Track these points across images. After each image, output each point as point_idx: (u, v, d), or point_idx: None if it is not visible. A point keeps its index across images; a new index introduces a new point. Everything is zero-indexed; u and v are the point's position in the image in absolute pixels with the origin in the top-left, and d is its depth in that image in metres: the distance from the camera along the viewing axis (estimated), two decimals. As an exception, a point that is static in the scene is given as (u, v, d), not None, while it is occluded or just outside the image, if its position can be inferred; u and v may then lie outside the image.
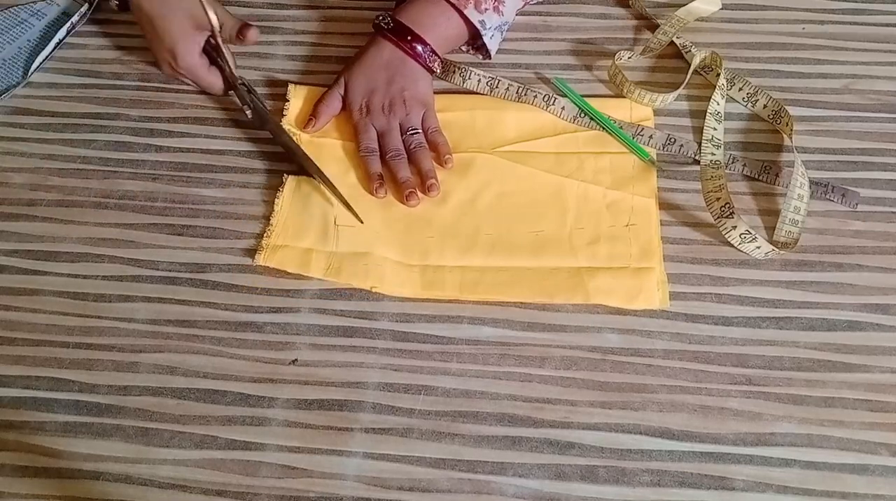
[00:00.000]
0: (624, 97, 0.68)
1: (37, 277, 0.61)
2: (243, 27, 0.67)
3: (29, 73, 0.70)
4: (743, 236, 0.58)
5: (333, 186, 0.62)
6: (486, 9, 0.65)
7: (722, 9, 0.73)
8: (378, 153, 0.64)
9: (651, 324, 0.57)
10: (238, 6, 0.74)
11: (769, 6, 0.73)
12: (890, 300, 0.58)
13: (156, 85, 0.70)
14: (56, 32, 0.71)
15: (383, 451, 0.53)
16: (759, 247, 0.59)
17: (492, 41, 0.67)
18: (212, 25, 0.63)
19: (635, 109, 0.67)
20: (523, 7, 0.71)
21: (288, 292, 0.60)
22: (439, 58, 0.66)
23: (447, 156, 0.64)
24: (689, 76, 0.68)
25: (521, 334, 0.57)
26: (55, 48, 0.71)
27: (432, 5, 0.66)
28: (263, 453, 0.53)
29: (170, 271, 0.61)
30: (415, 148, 0.64)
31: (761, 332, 0.57)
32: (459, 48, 0.70)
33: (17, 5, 0.73)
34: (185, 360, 0.57)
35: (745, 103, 0.67)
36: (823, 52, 0.70)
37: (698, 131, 0.66)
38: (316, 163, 0.63)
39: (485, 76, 0.68)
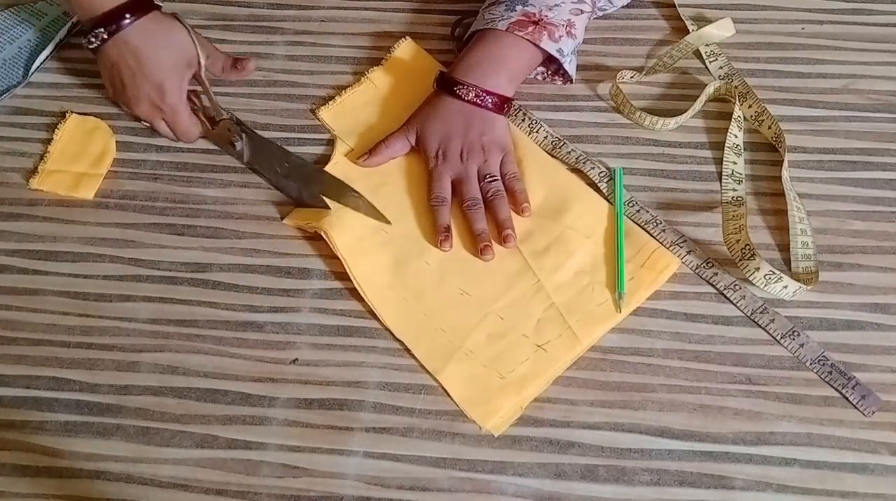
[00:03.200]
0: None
1: (37, 277, 0.61)
2: (238, 59, 0.67)
3: (29, 73, 0.70)
4: (767, 277, 0.56)
5: (365, 199, 0.61)
6: (561, 36, 0.63)
7: (722, 9, 0.73)
8: (448, 203, 0.62)
9: (651, 324, 0.57)
10: (238, 6, 0.74)
11: (769, 6, 0.73)
12: (890, 299, 0.58)
13: (156, 85, 0.70)
14: (56, 32, 0.71)
15: (384, 450, 0.53)
16: (786, 288, 0.57)
17: (570, 66, 0.65)
18: (199, 62, 0.63)
19: (660, 258, 0.60)
20: (586, 24, 0.67)
21: (288, 292, 0.60)
22: (509, 101, 0.64)
23: (525, 205, 0.61)
24: (699, 105, 0.66)
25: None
26: (55, 48, 0.71)
27: (502, 40, 0.63)
28: (264, 452, 0.54)
29: (170, 271, 0.61)
30: (492, 196, 0.61)
31: (761, 332, 0.57)
32: (535, 78, 0.68)
33: (16, 5, 0.73)
34: (186, 360, 0.57)
35: (751, 121, 0.66)
36: (823, 51, 0.70)
37: (717, 160, 0.64)
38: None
39: (552, 135, 0.65)
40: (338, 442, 0.54)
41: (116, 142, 0.67)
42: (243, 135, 0.65)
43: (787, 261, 0.59)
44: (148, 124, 0.66)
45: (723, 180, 0.62)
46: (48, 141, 0.67)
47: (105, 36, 0.61)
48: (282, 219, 0.62)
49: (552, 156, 0.65)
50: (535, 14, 0.63)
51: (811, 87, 0.68)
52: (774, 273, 0.56)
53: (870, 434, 0.53)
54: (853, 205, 0.62)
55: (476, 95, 0.62)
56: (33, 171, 0.65)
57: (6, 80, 0.70)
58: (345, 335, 0.58)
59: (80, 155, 0.66)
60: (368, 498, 0.52)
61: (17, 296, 0.60)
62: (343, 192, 0.62)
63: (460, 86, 0.63)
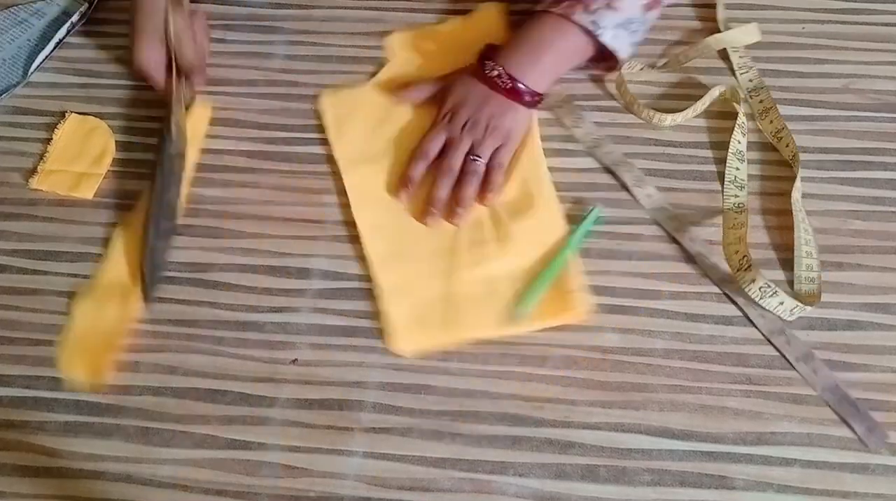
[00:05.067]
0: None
1: (37, 277, 0.61)
2: (197, 72, 0.66)
3: (29, 73, 0.70)
4: (762, 289, 0.56)
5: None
6: (598, 8, 0.61)
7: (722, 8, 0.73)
8: (428, 161, 0.63)
9: (651, 324, 0.57)
10: (238, 6, 0.74)
11: (769, 6, 0.73)
12: (890, 299, 0.58)
13: (156, 85, 0.70)
14: (56, 32, 0.71)
15: (384, 451, 0.53)
16: (782, 304, 0.56)
17: (614, 40, 0.62)
18: (168, 42, 0.63)
19: (571, 301, 0.58)
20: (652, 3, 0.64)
21: (288, 292, 0.60)
22: (533, 94, 0.63)
23: (489, 195, 0.61)
24: (701, 107, 0.66)
25: (521, 333, 0.57)
26: (55, 48, 0.71)
27: (546, 22, 0.63)
28: (264, 452, 0.53)
29: (170, 271, 0.61)
30: (468, 172, 0.61)
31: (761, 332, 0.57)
32: (588, 66, 0.67)
33: (17, 5, 0.73)
34: (186, 360, 0.57)
35: (770, 137, 0.65)
36: (823, 51, 0.70)
37: (720, 161, 0.64)
38: None
39: (595, 133, 0.65)
40: (338, 442, 0.54)
41: (116, 142, 0.67)
42: (166, 136, 0.64)
43: (791, 282, 0.59)
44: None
45: (725, 186, 0.62)
46: (48, 141, 0.67)
47: None
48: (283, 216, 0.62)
49: (589, 153, 0.64)
50: None
51: (811, 87, 0.68)
52: (770, 286, 0.56)
53: (870, 434, 0.53)
54: (853, 204, 0.62)
55: (498, 75, 0.63)
56: (33, 171, 0.65)
57: (6, 79, 0.70)
58: (345, 335, 0.58)
59: (80, 155, 0.66)
60: (368, 499, 0.52)
61: (17, 296, 0.60)
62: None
63: (489, 63, 0.63)
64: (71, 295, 0.60)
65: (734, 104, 0.66)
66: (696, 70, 0.69)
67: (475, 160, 0.62)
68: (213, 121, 0.68)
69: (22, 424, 0.55)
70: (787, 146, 0.63)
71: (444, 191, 0.61)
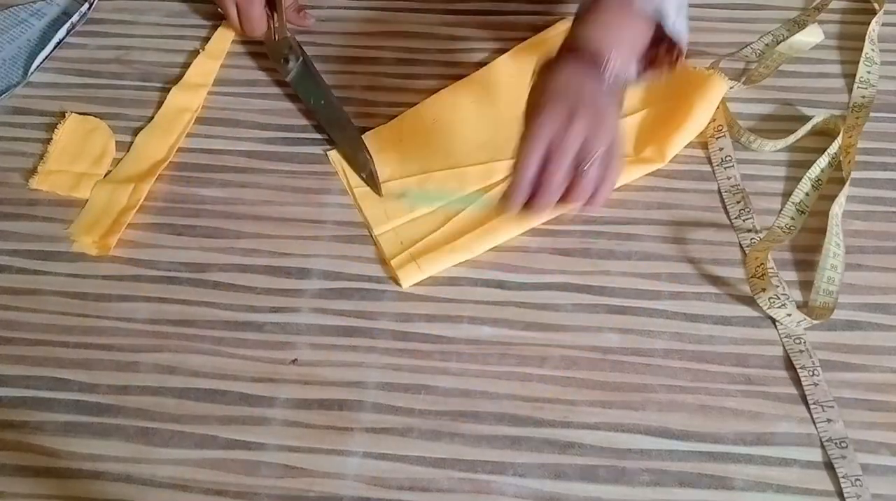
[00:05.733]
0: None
1: (37, 277, 0.61)
2: (302, 7, 0.71)
3: (29, 73, 0.70)
4: (772, 300, 0.56)
5: (371, 172, 0.64)
6: None
7: (721, 8, 0.73)
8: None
9: (651, 324, 0.57)
10: (238, 6, 0.74)
11: (769, 6, 0.73)
12: (890, 299, 0.58)
13: (156, 84, 0.70)
14: (56, 32, 0.71)
15: (383, 451, 0.53)
16: (790, 316, 0.56)
17: (675, 27, 0.53)
18: None
19: None
20: None
21: (288, 292, 0.60)
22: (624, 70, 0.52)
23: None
24: (802, 132, 0.64)
25: (520, 333, 0.57)
26: (55, 48, 0.71)
27: (613, 7, 0.52)
28: (263, 452, 0.53)
29: (170, 271, 0.61)
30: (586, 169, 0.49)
31: (761, 332, 0.57)
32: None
33: (17, 5, 0.73)
34: (185, 360, 0.57)
35: (839, 149, 0.63)
36: (823, 51, 0.70)
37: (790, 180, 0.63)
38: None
39: (734, 179, 0.62)
40: (338, 442, 0.54)
41: (116, 142, 0.67)
42: (300, 57, 0.68)
43: (803, 283, 0.59)
44: (220, 7, 0.69)
45: (785, 206, 0.61)
46: (48, 141, 0.67)
47: None
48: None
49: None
50: None
51: (811, 87, 0.68)
52: (778, 298, 0.56)
53: (870, 434, 0.53)
54: (853, 204, 0.62)
55: (622, 64, 0.51)
56: (33, 171, 0.65)
57: (6, 79, 0.70)
58: (345, 335, 0.58)
59: (80, 155, 0.66)
60: (368, 499, 0.52)
61: (17, 296, 0.60)
62: (357, 152, 0.64)
63: (604, 60, 0.51)
64: (71, 295, 0.60)
65: (835, 135, 0.64)
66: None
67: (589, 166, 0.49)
68: (213, 122, 0.68)
69: (21, 424, 0.55)
70: (850, 163, 0.62)
71: (560, 175, 0.49)
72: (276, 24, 0.68)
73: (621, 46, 0.52)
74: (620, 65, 0.52)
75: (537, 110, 0.51)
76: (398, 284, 0.59)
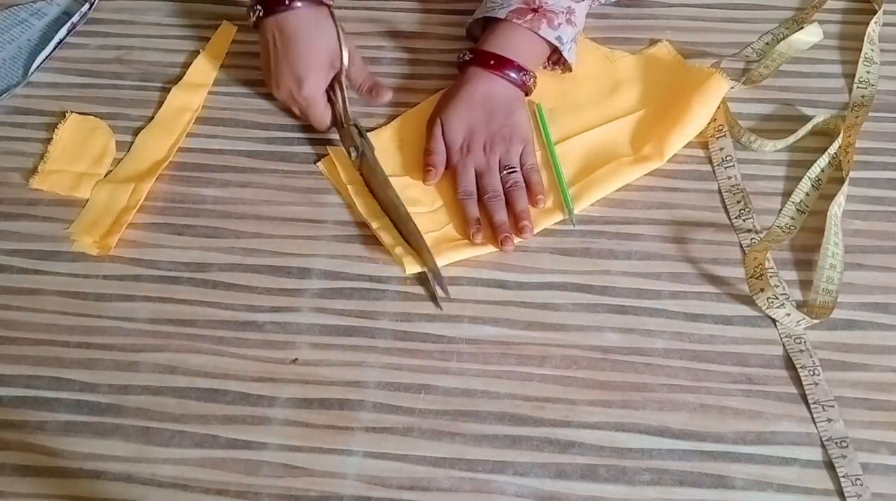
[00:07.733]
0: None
1: (37, 277, 0.61)
2: (376, 85, 0.67)
3: (29, 73, 0.70)
4: (770, 300, 0.56)
5: (430, 256, 0.59)
6: (560, 23, 0.64)
7: (721, 8, 0.73)
8: (475, 196, 0.63)
9: (651, 323, 0.57)
10: (239, 6, 0.74)
11: (769, 6, 0.73)
12: (889, 299, 0.58)
13: (156, 84, 0.70)
14: (56, 32, 0.71)
15: (384, 450, 0.53)
16: (788, 315, 0.56)
17: (570, 53, 0.66)
18: (342, 65, 0.63)
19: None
20: (587, 10, 0.68)
21: (288, 291, 0.60)
22: (532, 74, 0.65)
23: (539, 197, 0.62)
24: (802, 132, 0.65)
25: (521, 333, 0.57)
26: (55, 48, 0.71)
27: (509, 30, 0.64)
28: (264, 452, 0.53)
29: (170, 271, 0.61)
30: (511, 187, 0.62)
31: (761, 331, 0.57)
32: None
33: (17, 5, 0.73)
34: (186, 360, 0.57)
35: (839, 149, 0.63)
36: (823, 51, 0.70)
37: (790, 180, 0.63)
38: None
39: (734, 179, 0.63)
40: (338, 442, 0.54)
41: (117, 141, 0.67)
42: (361, 150, 0.64)
43: (803, 282, 0.59)
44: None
45: (785, 205, 0.61)
46: (48, 140, 0.67)
47: (261, 13, 0.63)
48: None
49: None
50: (534, 1, 0.63)
51: (811, 87, 0.68)
52: (777, 298, 0.56)
53: (870, 433, 0.53)
54: (853, 204, 0.62)
55: (496, 63, 0.64)
56: (33, 171, 0.65)
57: (6, 79, 0.70)
58: (345, 335, 0.58)
59: (80, 155, 0.66)
60: (368, 498, 0.52)
61: (17, 296, 0.60)
62: (421, 251, 0.60)
63: (466, 53, 0.66)
64: (71, 295, 0.60)
65: (836, 135, 0.64)
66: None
67: (512, 173, 0.63)
68: (213, 122, 0.68)
69: (22, 424, 0.55)
70: (849, 162, 0.62)
71: (502, 214, 0.61)
72: (341, 112, 0.64)
73: (528, 61, 0.65)
74: (526, 73, 0.64)
75: (448, 112, 0.64)
76: (403, 270, 0.59)
